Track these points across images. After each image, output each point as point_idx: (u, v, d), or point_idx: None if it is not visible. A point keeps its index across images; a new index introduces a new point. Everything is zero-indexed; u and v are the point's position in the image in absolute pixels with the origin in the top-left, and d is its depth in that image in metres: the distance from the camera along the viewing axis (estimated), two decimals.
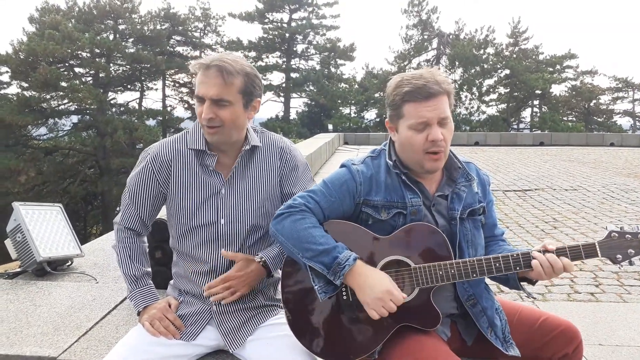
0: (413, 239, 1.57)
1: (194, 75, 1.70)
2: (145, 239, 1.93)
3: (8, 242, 3.05)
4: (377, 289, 1.49)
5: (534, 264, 1.55)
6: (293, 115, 39.13)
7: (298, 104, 40.15)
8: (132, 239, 1.84)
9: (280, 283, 1.67)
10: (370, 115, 39.56)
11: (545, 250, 1.57)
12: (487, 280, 1.70)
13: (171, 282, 1.94)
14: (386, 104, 1.67)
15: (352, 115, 38.70)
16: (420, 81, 1.56)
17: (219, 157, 1.77)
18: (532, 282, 1.66)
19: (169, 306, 1.78)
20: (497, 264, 1.56)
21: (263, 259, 1.75)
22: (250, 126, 1.82)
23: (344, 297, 1.58)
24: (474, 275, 1.56)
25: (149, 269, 1.88)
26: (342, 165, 1.70)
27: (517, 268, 1.57)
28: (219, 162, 1.77)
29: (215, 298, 1.72)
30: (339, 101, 37.87)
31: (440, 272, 1.54)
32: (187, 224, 1.77)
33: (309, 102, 38.75)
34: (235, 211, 1.76)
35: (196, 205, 1.75)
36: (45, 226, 3.12)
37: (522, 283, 1.66)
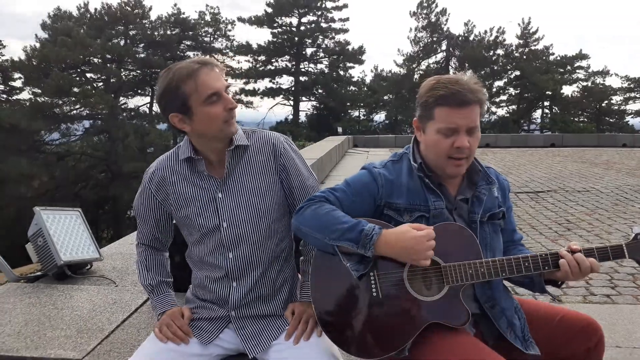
0: (443, 238, 1.57)
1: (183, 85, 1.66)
2: (166, 253, 1.99)
3: (29, 247, 3.11)
4: (410, 245, 1.49)
5: (561, 263, 1.56)
6: (302, 118, 39.26)
7: (307, 107, 40.25)
8: (148, 252, 1.93)
9: (309, 281, 1.68)
10: (380, 117, 39.61)
11: (572, 251, 1.58)
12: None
13: (190, 286, 1.97)
14: (417, 103, 1.68)
15: (361, 117, 38.72)
16: (456, 87, 1.56)
17: (210, 161, 1.79)
18: (558, 285, 1.66)
19: (182, 316, 1.81)
20: (527, 264, 1.57)
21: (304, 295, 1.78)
22: (240, 127, 1.85)
23: (374, 294, 1.58)
24: (504, 274, 1.57)
25: (168, 279, 1.93)
26: (363, 168, 1.73)
27: (546, 267, 1.58)
28: (212, 167, 1.80)
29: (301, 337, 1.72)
30: (348, 104, 37.94)
31: (470, 271, 1.56)
32: (194, 233, 1.81)
33: (318, 105, 38.85)
34: (235, 214, 1.77)
35: (197, 214, 1.78)
36: (65, 230, 3.18)
37: (546, 286, 1.67)
